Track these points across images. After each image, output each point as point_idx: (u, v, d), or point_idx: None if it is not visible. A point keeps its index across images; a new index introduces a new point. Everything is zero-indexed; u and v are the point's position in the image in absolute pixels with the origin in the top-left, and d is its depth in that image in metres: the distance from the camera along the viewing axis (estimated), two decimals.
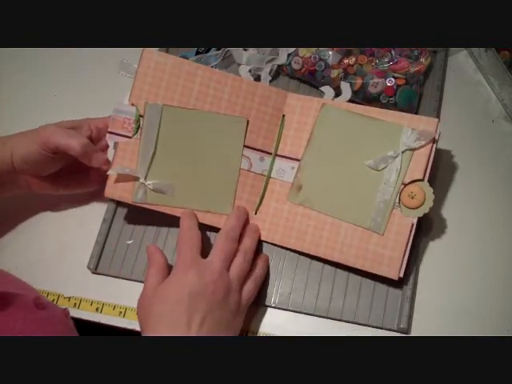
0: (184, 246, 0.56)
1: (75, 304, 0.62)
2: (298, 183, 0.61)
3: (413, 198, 0.57)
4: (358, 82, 0.64)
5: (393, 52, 0.65)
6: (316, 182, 0.61)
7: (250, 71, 0.69)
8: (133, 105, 0.61)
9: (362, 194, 0.59)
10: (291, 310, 0.59)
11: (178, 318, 0.51)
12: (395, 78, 0.64)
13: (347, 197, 0.59)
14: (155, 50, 0.62)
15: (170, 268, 0.57)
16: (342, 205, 0.59)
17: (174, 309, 0.52)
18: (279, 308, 0.60)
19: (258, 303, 0.60)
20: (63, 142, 0.58)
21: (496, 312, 0.57)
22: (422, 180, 0.57)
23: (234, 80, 0.62)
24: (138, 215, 0.63)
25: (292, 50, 0.68)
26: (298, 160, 0.62)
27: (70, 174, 0.62)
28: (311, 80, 0.68)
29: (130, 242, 0.64)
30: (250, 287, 0.57)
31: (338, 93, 0.67)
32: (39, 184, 0.62)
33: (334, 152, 0.61)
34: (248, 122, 0.62)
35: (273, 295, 0.60)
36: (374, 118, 0.59)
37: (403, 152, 0.58)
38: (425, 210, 0.56)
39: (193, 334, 0.50)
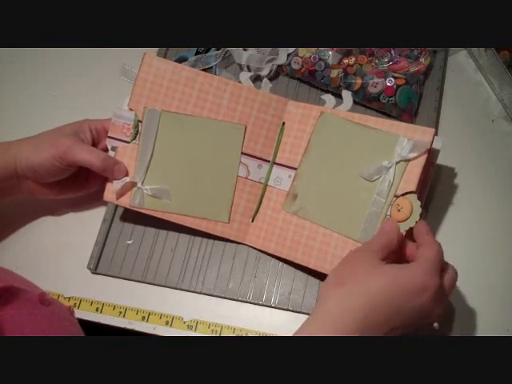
0: (435, 257, 0.49)
1: (75, 304, 0.62)
2: (294, 192, 0.61)
3: (399, 210, 0.55)
4: (358, 82, 0.64)
5: (392, 52, 0.65)
6: (311, 191, 0.60)
7: (250, 78, 0.69)
8: (131, 110, 0.61)
9: (354, 204, 0.58)
10: (291, 310, 0.59)
11: (383, 308, 0.46)
12: (395, 77, 0.64)
13: (339, 207, 0.58)
14: (155, 55, 0.63)
15: None
16: (334, 215, 0.58)
17: (388, 300, 0.46)
18: (279, 308, 0.60)
19: (258, 303, 0.60)
20: (84, 158, 0.58)
21: (496, 312, 0.57)
22: (415, 192, 0.55)
23: (233, 86, 0.62)
24: (138, 215, 0.63)
25: (292, 50, 0.68)
26: (295, 168, 0.61)
27: (72, 179, 0.62)
28: (311, 80, 0.68)
29: (129, 242, 0.64)
30: None
31: (337, 93, 0.67)
32: (41, 190, 0.62)
33: (330, 161, 0.60)
34: (246, 128, 0.62)
35: (273, 295, 0.60)
36: (371, 127, 0.58)
37: (397, 163, 0.56)
38: (410, 223, 0.54)
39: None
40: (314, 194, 0.60)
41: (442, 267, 0.50)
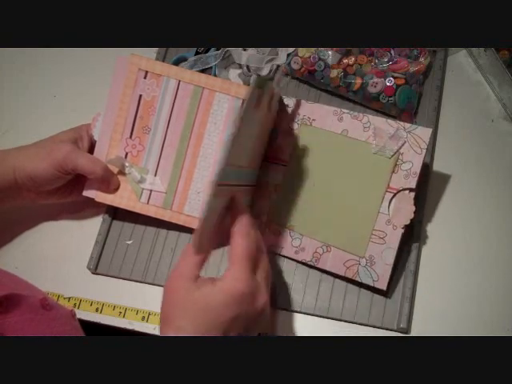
0: (241, 257, 0.49)
1: (75, 304, 0.62)
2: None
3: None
4: (358, 81, 0.64)
5: (392, 52, 0.65)
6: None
7: (239, 75, 0.69)
8: None
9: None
10: (291, 310, 0.59)
11: (214, 330, 0.48)
12: (394, 77, 0.64)
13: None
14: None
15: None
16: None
17: (212, 324, 0.48)
18: (279, 308, 0.60)
19: None
20: (83, 166, 0.58)
21: (496, 312, 0.57)
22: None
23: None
24: (138, 215, 0.63)
25: (291, 50, 0.68)
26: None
27: (71, 184, 0.62)
28: (310, 80, 0.68)
29: (129, 242, 0.64)
30: None
31: (337, 92, 0.67)
32: (43, 197, 0.62)
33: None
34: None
35: (272, 295, 0.60)
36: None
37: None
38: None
39: None
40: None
41: (256, 262, 0.50)
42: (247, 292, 0.48)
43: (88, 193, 0.62)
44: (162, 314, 0.50)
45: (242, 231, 0.51)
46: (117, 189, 0.62)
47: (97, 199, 0.62)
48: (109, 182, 0.61)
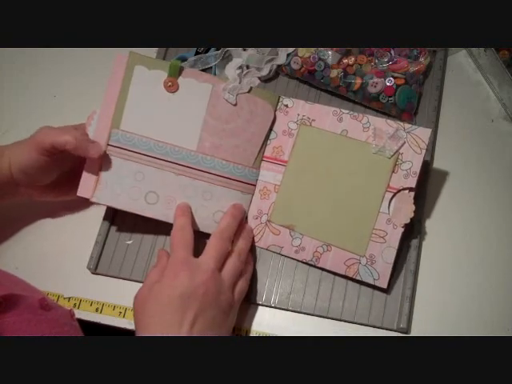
0: (176, 246, 0.56)
1: (75, 304, 0.62)
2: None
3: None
4: (358, 81, 0.64)
5: (392, 52, 0.65)
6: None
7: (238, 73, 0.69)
8: None
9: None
10: (291, 310, 0.59)
11: (169, 318, 0.51)
12: (394, 77, 0.64)
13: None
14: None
15: None
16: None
17: (165, 310, 0.52)
18: (279, 308, 0.60)
19: (258, 303, 0.60)
20: (57, 139, 0.57)
21: (496, 312, 0.57)
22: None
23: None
24: (138, 215, 0.63)
25: (291, 49, 0.68)
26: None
27: (70, 181, 0.62)
28: (310, 80, 0.68)
29: (129, 242, 0.64)
30: (242, 286, 0.57)
31: (337, 92, 0.67)
32: (40, 193, 0.62)
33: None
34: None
35: (273, 295, 0.60)
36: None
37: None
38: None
39: (183, 334, 0.50)
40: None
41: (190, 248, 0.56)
42: (183, 270, 0.53)
43: (82, 193, 0.61)
44: (134, 323, 0.54)
45: (177, 227, 0.58)
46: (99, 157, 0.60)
47: (92, 200, 0.61)
48: (85, 148, 0.58)
